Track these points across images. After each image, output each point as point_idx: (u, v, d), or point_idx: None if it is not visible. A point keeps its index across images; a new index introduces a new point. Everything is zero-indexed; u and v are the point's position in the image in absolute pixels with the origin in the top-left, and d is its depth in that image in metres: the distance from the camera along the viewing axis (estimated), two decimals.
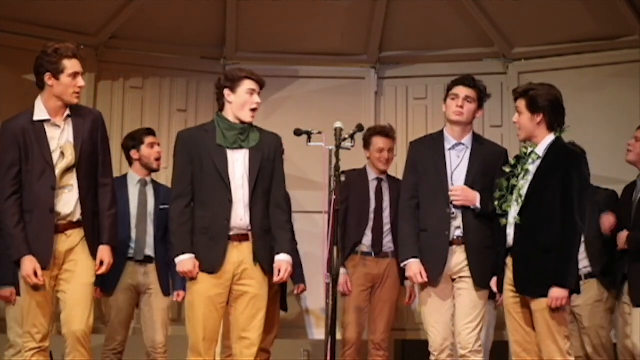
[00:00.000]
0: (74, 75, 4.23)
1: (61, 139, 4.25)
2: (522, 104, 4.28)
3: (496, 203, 4.33)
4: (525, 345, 4.24)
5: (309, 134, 4.37)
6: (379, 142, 5.60)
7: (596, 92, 6.34)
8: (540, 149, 4.25)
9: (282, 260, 4.36)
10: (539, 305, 4.12)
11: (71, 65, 4.22)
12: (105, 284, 5.14)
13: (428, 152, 4.65)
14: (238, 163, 4.35)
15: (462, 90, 4.60)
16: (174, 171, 4.44)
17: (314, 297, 6.36)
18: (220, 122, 4.39)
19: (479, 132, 6.31)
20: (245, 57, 6.82)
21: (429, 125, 6.51)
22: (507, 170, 4.34)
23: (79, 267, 4.24)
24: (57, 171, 4.20)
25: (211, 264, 4.28)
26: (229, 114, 4.39)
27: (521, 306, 4.22)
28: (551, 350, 4.10)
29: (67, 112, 4.27)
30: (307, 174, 6.44)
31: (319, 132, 4.33)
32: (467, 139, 4.64)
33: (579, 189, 4.13)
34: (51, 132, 4.24)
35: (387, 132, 5.65)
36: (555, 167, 4.17)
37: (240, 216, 4.32)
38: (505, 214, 4.28)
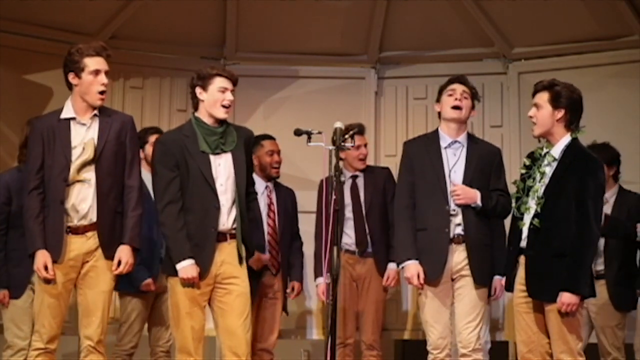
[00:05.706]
0: (96, 72, 4.24)
1: (86, 136, 4.26)
2: (544, 97, 4.19)
3: (513, 204, 4.30)
4: (531, 346, 4.20)
5: (309, 134, 4.35)
6: (356, 140, 5.58)
7: (596, 92, 6.32)
8: (557, 151, 4.18)
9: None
10: (551, 305, 4.08)
11: (92, 62, 4.24)
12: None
13: (424, 151, 4.62)
14: (220, 167, 4.36)
15: (459, 87, 4.60)
16: (158, 177, 4.35)
17: (314, 297, 6.37)
18: (198, 127, 4.38)
19: (479, 132, 6.39)
20: (245, 57, 6.82)
21: (429, 125, 6.49)
22: (523, 170, 4.30)
23: (99, 273, 4.24)
24: (74, 166, 4.20)
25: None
26: (203, 112, 4.39)
27: (531, 307, 4.18)
28: (561, 350, 4.07)
29: (95, 111, 4.28)
30: (307, 174, 6.44)
31: (319, 132, 4.31)
32: (463, 137, 4.61)
33: (594, 196, 4.07)
34: (76, 130, 4.26)
35: (363, 130, 5.65)
36: (572, 172, 4.10)
37: (223, 221, 4.34)
38: (522, 216, 4.22)
